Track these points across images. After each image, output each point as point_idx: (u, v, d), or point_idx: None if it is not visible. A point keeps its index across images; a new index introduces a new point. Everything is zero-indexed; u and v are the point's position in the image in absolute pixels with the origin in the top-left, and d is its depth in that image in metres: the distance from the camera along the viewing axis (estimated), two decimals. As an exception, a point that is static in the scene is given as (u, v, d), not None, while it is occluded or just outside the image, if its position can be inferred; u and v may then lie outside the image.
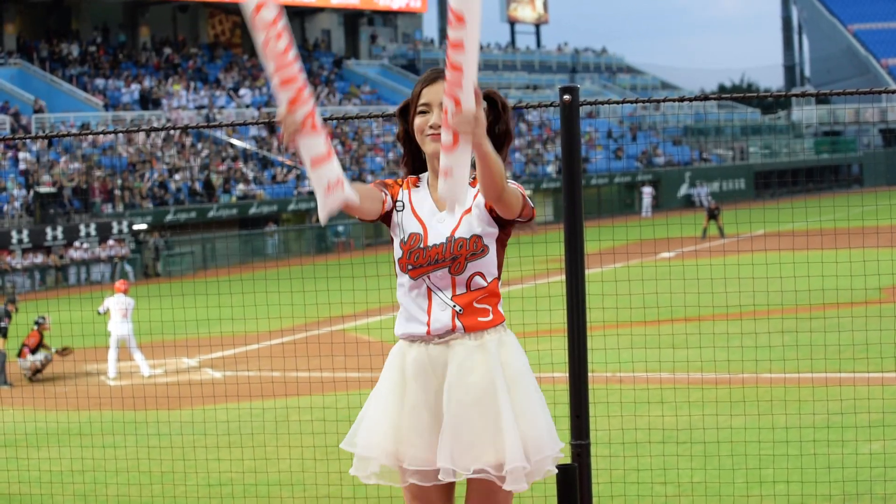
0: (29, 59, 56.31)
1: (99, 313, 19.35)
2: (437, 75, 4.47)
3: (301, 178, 50.20)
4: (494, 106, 4.59)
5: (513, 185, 4.36)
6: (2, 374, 18.62)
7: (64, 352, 18.97)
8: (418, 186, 4.62)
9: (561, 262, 6.25)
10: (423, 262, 4.47)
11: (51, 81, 53.92)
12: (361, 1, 72.31)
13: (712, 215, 39.90)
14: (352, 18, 75.36)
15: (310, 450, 10.61)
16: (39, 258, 39.11)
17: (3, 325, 19.03)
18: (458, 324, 4.46)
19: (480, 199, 4.50)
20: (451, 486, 4.58)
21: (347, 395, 10.71)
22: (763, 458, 8.70)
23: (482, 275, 4.50)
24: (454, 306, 4.47)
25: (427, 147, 4.48)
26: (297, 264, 26.60)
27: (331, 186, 3.85)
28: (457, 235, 4.47)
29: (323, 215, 3.89)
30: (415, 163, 4.70)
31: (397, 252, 4.54)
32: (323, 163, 3.85)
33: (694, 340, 12.71)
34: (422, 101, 4.47)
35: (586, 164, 56.31)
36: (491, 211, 4.48)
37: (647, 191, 60.06)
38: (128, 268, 40.09)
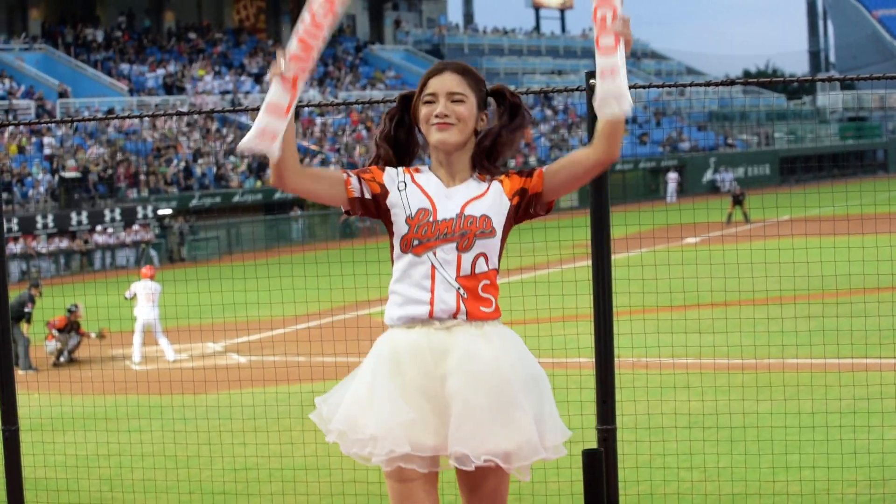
0: (54, 44, 56.50)
1: (126, 298, 19.44)
2: (444, 67, 4.44)
3: (325, 164, 50.24)
4: (504, 100, 4.52)
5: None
6: (26, 358, 18.67)
7: (101, 336, 18.99)
8: (420, 171, 4.48)
9: (587, 246, 6.24)
10: (430, 235, 4.32)
11: (75, 66, 54.10)
12: (386, -14, 72.26)
13: (737, 201, 39.77)
14: (376, 3, 75.33)
15: (335, 434, 10.60)
16: (64, 243, 39.28)
17: (27, 310, 19.07)
18: (462, 307, 4.33)
19: (500, 189, 4.44)
20: (436, 474, 4.41)
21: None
22: (789, 443, 8.67)
23: (486, 257, 4.37)
24: (458, 288, 4.33)
25: (432, 137, 4.40)
26: (322, 249, 26.61)
27: (265, 134, 4.11)
28: (467, 212, 4.36)
29: (240, 145, 4.16)
30: (392, 159, 4.55)
31: (401, 229, 4.36)
32: (275, 114, 4.11)
33: (720, 326, 12.70)
34: (428, 90, 4.41)
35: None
36: (517, 206, 4.43)
37: (672, 176, 59.89)
38: (152, 252, 40.21)
